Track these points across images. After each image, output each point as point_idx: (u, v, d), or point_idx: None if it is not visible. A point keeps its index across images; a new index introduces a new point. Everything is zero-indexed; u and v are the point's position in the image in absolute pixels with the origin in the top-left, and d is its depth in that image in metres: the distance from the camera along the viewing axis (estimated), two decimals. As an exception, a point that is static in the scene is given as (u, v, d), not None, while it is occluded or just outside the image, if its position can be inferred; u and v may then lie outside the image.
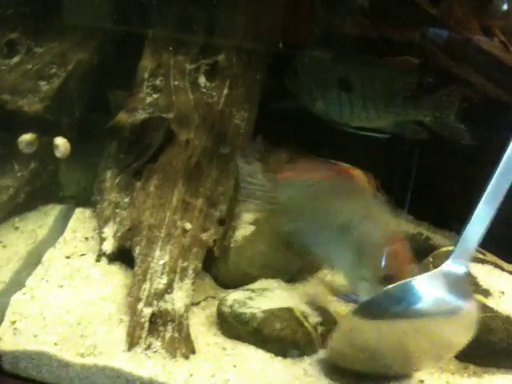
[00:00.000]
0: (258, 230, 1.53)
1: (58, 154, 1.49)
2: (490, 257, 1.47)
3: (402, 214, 1.72)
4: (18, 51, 1.64)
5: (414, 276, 1.15)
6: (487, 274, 1.40)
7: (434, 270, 1.15)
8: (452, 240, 1.58)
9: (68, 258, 1.45)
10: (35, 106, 1.54)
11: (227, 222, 1.53)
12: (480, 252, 1.44)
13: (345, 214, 1.26)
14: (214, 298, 1.46)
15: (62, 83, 1.61)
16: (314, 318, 1.31)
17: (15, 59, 1.63)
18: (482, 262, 1.42)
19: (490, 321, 1.28)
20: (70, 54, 1.65)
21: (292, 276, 1.51)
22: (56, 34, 1.65)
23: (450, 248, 1.43)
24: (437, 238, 1.62)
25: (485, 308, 1.29)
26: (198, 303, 1.42)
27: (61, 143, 1.49)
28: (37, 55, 1.63)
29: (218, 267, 1.50)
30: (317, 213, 1.33)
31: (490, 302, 1.32)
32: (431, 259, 1.41)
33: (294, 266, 1.51)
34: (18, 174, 1.56)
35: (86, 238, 1.52)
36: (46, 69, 1.61)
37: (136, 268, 1.36)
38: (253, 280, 1.49)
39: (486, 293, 1.34)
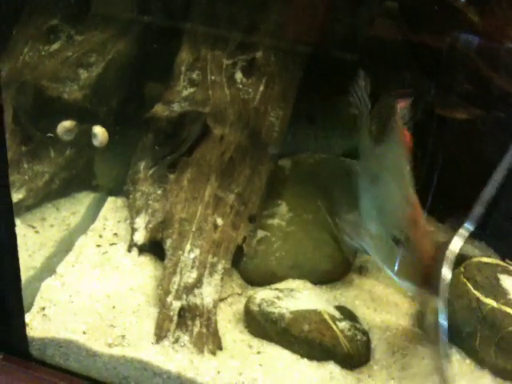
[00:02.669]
0: (289, 230, 1.52)
1: (96, 142, 1.49)
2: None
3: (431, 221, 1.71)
4: (58, 38, 1.63)
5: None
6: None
7: None
8: (482, 250, 1.56)
9: (99, 246, 1.46)
10: (75, 94, 1.53)
11: (257, 220, 1.52)
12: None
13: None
14: (240, 294, 1.45)
15: (101, 72, 1.60)
16: (343, 322, 1.30)
17: (55, 46, 1.62)
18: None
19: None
20: (110, 44, 1.64)
21: (320, 278, 1.51)
22: (97, 23, 1.64)
23: (482, 258, 1.43)
24: (467, 247, 1.59)
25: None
26: (224, 299, 1.41)
27: (99, 132, 1.49)
28: (77, 43, 1.62)
29: (246, 264, 1.49)
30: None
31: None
32: (463, 269, 1.39)
33: (323, 269, 1.50)
34: (54, 161, 1.56)
35: (118, 228, 1.52)
36: (86, 57, 1.60)
37: (166, 261, 1.36)
38: (280, 279, 1.48)
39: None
